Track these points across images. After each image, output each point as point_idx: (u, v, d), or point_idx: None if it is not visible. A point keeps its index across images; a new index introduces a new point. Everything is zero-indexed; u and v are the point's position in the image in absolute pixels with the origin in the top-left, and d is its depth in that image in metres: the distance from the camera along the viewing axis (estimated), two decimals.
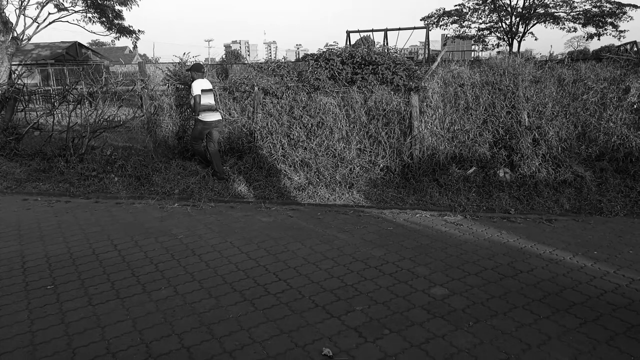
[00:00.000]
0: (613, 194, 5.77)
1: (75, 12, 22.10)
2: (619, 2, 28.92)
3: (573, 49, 52.56)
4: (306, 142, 6.81)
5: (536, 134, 6.37)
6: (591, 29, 30.71)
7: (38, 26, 19.73)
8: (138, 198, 6.20)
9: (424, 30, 27.16)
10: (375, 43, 18.04)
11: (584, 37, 32.73)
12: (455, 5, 32.58)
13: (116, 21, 23.52)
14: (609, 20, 29.66)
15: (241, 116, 7.38)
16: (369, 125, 6.78)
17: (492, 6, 31.36)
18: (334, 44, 8.13)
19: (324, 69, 7.21)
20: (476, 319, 3.14)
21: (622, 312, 3.20)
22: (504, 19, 31.72)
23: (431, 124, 6.67)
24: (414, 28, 26.03)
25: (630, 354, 2.75)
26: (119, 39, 25.00)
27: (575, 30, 31.43)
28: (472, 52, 43.15)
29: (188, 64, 7.82)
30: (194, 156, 7.24)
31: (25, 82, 9.88)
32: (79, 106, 8.31)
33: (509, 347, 2.83)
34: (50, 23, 20.81)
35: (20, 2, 18.58)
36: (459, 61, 8.36)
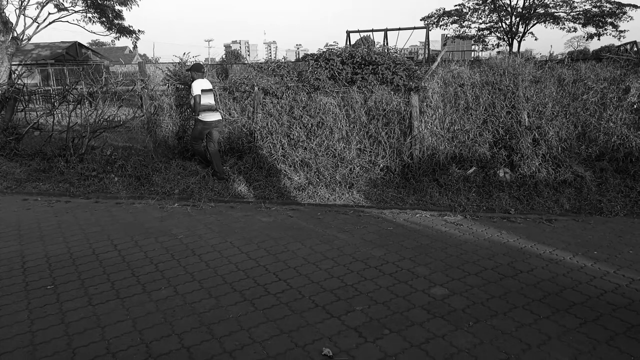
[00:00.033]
0: (613, 194, 5.77)
1: (75, 12, 22.11)
2: (619, 2, 28.93)
3: (573, 49, 52.58)
4: (306, 142, 6.81)
5: (536, 134, 6.37)
6: (591, 29, 30.73)
7: (38, 26, 19.74)
8: (138, 198, 6.20)
9: (424, 30, 27.16)
10: (375, 43, 18.04)
11: (584, 37, 32.74)
12: (455, 5, 32.59)
13: (116, 21, 23.52)
14: (609, 20, 29.66)
15: (241, 116, 7.38)
16: (369, 125, 6.78)
17: (492, 6, 31.36)
18: (334, 44, 8.14)
19: (324, 69, 7.21)
20: (476, 319, 3.14)
21: (622, 312, 3.20)
22: (504, 19, 31.73)
23: (431, 124, 6.67)
24: (414, 28, 26.03)
25: (630, 354, 2.75)
26: (119, 39, 25.02)
27: (575, 30, 31.45)
28: (472, 52, 43.16)
29: (188, 64, 7.82)
30: (194, 156, 7.24)
31: (25, 82, 9.89)
32: (79, 106, 8.31)
33: (509, 347, 2.83)
34: (50, 23, 20.82)
35: (20, 2, 18.58)
36: (459, 61, 8.36)
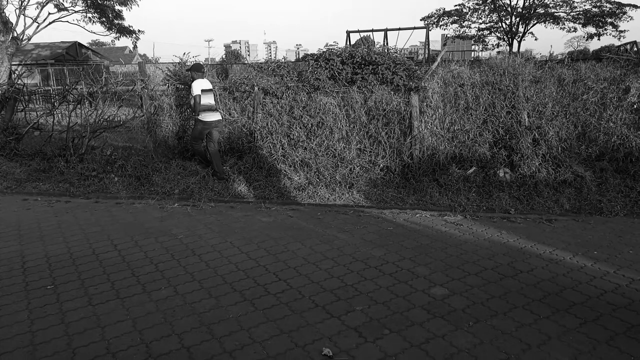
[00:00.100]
0: (613, 194, 5.77)
1: (75, 12, 22.11)
2: (619, 2, 28.93)
3: (573, 49, 52.59)
4: (306, 142, 6.81)
5: (536, 134, 6.37)
6: (591, 29, 30.74)
7: (38, 26, 19.74)
8: (138, 198, 6.20)
9: (424, 30, 27.17)
10: (375, 43, 18.04)
11: (584, 37, 32.75)
12: (455, 5, 32.60)
13: (116, 21, 23.52)
14: (609, 20, 29.66)
15: (241, 116, 7.38)
16: (369, 125, 6.78)
17: (492, 6, 31.36)
18: (334, 44, 8.14)
19: (324, 69, 7.21)
20: (476, 319, 3.14)
21: (622, 312, 3.20)
22: (504, 19, 31.73)
23: (431, 124, 6.67)
24: (414, 28, 26.04)
25: (630, 354, 2.75)
26: (119, 39, 25.02)
27: (575, 30, 31.45)
28: (472, 52, 43.16)
29: (188, 64, 7.82)
30: (194, 156, 7.24)
31: (25, 82, 9.88)
32: (79, 106, 8.31)
33: (509, 347, 2.83)
34: (50, 23, 20.82)
35: (20, 2, 18.58)
36: (459, 61, 8.36)
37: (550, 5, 30.31)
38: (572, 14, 30.46)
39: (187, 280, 3.74)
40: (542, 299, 3.39)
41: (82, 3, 21.86)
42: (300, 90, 7.12)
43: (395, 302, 3.36)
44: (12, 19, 20.17)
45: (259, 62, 8.75)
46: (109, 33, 23.71)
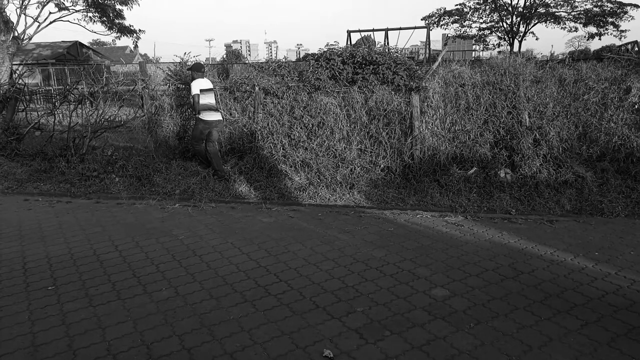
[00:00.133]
0: (614, 194, 5.76)
1: (76, 11, 22.12)
2: (620, 2, 28.91)
3: (574, 49, 52.53)
4: (307, 143, 6.81)
5: (537, 134, 6.36)
6: (592, 29, 30.73)
7: (39, 26, 19.75)
8: (139, 198, 6.20)
9: (425, 30, 27.16)
10: (376, 43, 18.04)
11: (584, 36, 32.74)
12: (456, 5, 32.60)
13: (117, 21, 23.52)
14: (610, 19, 29.65)
15: (242, 116, 7.38)
16: (369, 125, 6.77)
17: (493, 6, 31.35)
18: (334, 43, 8.14)
19: (324, 68, 7.21)
20: (477, 320, 3.14)
21: (623, 314, 3.20)
22: (504, 18, 31.72)
23: (432, 124, 6.67)
24: (415, 28, 26.04)
25: (631, 355, 2.75)
26: (119, 39, 25.03)
27: (576, 29, 31.44)
28: (473, 52, 43.14)
29: (189, 63, 7.82)
30: (195, 157, 7.24)
31: (26, 81, 9.89)
32: (80, 106, 8.31)
33: (510, 348, 2.82)
34: (51, 22, 20.82)
35: (21, 2, 18.59)
36: (459, 61, 8.35)
37: (551, 4, 30.30)
38: (573, 13, 30.46)
39: (188, 281, 3.74)
40: (543, 301, 3.39)
41: (83, 2, 21.87)
42: (301, 90, 7.12)
43: (396, 304, 3.36)
44: (13, 18, 20.19)
45: (260, 61, 8.76)
46: (109, 32, 23.72)
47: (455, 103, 6.69)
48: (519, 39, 32.00)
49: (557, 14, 30.58)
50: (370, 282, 3.70)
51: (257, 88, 7.19)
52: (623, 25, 30.34)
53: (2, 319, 3.20)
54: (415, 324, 3.09)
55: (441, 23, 33.28)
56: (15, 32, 16.87)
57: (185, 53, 8.40)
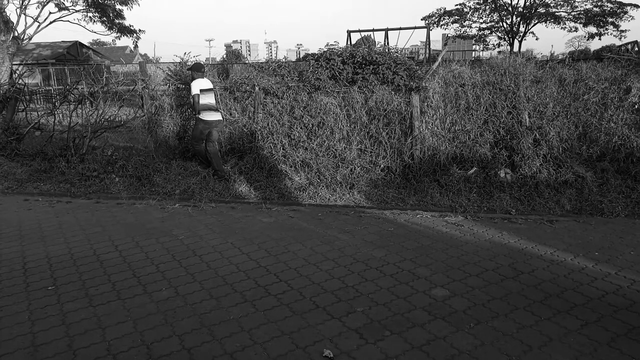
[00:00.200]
0: (614, 194, 5.76)
1: (76, 11, 22.11)
2: (620, 2, 28.91)
3: (574, 49, 52.54)
4: (307, 143, 6.81)
5: (537, 134, 6.36)
6: (592, 29, 30.73)
7: (39, 26, 19.74)
8: (139, 198, 6.20)
9: (425, 30, 27.17)
10: (376, 43, 18.04)
11: (584, 36, 32.75)
12: (456, 5, 32.60)
13: (117, 20, 23.52)
14: (610, 19, 29.65)
15: (242, 116, 7.38)
16: (369, 125, 6.77)
17: (493, 6, 31.35)
18: (334, 43, 8.14)
19: (324, 68, 7.21)
20: (477, 320, 3.14)
21: (623, 314, 3.20)
22: (504, 18, 31.72)
23: (432, 124, 6.67)
24: (415, 28, 26.05)
25: (631, 355, 2.75)
26: (119, 39, 25.02)
27: (576, 29, 31.45)
28: (473, 52, 43.14)
29: (189, 63, 7.82)
30: (195, 157, 7.24)
31: (26, 81, 9.89)
32: (80, 106, 8.31)
33: (510, 348, 2.83)
34: (51, 22, 20.82)
35: (21, 2, 18.59)
36: (459, 61, 8.35)
37: (551, 4, 30.30)
38: (573, 13, 30.46)
39: (188, 281, 3.74)
40: (543, 301, 3.39)
41: (83, 2, 21.87)
42: (301, 90, 7.12)
43: (396, 304, 3.36)
44: (13, 18, 20.20)
45: (260, 61, 8.75)
46: (109, 32, 23.71)
47: (455, 103, 6.69)
48: (519, 39, 32.00)
49: (557, 14, 30.59)
50: (370, 282, 3.70)
51: (257, 88, 7.19)
52: (623, 25, 30.38)
53: (2, 319, 3.20)
54: (415, 324, 3.09)
55: (441, 23, 33.29)
56: (15, 32, 16.87)
57: (185, 53, 8.40)
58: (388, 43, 22.70)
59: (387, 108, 6.72)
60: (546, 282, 3.68)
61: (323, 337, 2.96)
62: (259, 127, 7.09)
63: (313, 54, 8.44)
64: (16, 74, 11.84)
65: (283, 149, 6.86)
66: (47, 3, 20.04)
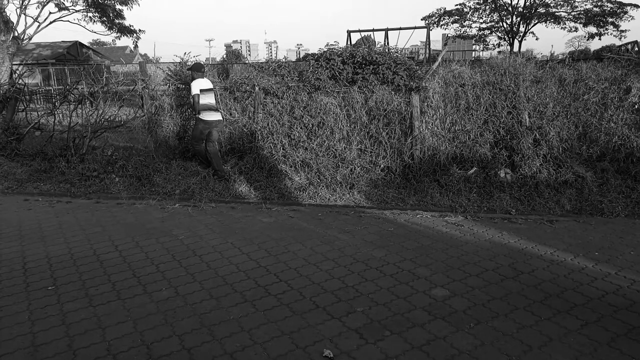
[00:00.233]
0: (614, 194, 5.76)
1: (76, 11, 22.11)
2: (620, 2, 28.91)
3: (574, 49, 52.54)
4: (307, 143, 6.81)
5: (537, 134, 6.36)
6: (592, 29, 30.73)
7: (39, 26, 19.74)
8: (139, 198, 6.20)
9: (425, 30, 27.17)
10: (376, 43, 18.04)
11: (584, 36, 32.74)
12: (456, 5, 32.59)
13: (117, 20, 23.51)
14: (610, 19, 29.65)
15: (242, 116, 7.38)
16: (369, 125, 6.78)
17: (493, 6, 31.35)
18: (334, 43, 8.14)
19: (324, 68, 7.21)
20: (477, 320, 3.14)
21: (623, 314, 3.20)
22: (504, 18, 31.72)
23: (432, 124, 6.67)
24: (415, 28, 26.05)
25: (631, 355, 2.75)
26: (119, 39, 25.02)
27: (576, 29, 31.44)
28: (473, 52, 43.14)
29: (189, 63, 7.82)
30: (195, 157, 7.24)
31: (26, 81, 9.89)
32: (80, 106, 8.31)
33: (510, 348, 2.83)
34: (51, 22, 20.81)
35: (21, 2, 18.59)
36: (459, 61, 8.35)
37: (551, 4, 30.30)
38: (573, 13, 30.46)
39: (188, 281, 3.74)
40: (543, 301, 3.39)
41: (83, 2, 21.86)
42: (301, 90, 7.12)
43: (396, 304, 3.36)
44: (13, 18, 20.19)
45: (260, 61, 8.75)
46: (109, 32, 23.71)
47: (455, 103, 6.70)
48: (519, 39, 32.00)
49: (557, 14, 30.58)
50: (370, 282, 3.70)
51: (257, 88, 7.19)
52: (623, 25, 30.37)
53: (2, 319, 3.20)
54: (415, 324, 3.09)
55: (441, 23, 33.29)
56: (15, 32, 16.87)
57: (185, 53, 8.40)
58: (388, 43, 22.71)
59: (387, 108, 6.72)
60: (546, 282, 3.68)
61: (323, 337, 2.96)
62: (259, 127, 7.09)
63: (313, 54, 8.44)
64: (16, 74, 11.84)
65: (283, 149, 6.86)
66: (47, 3, 20.04)
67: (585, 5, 29.71)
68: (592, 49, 35.62)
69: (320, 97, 6.94)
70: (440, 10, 33.14)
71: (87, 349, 2.85)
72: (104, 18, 22.88)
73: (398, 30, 24.62)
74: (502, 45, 33.36)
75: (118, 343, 2.91)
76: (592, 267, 3.95)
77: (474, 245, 4.46)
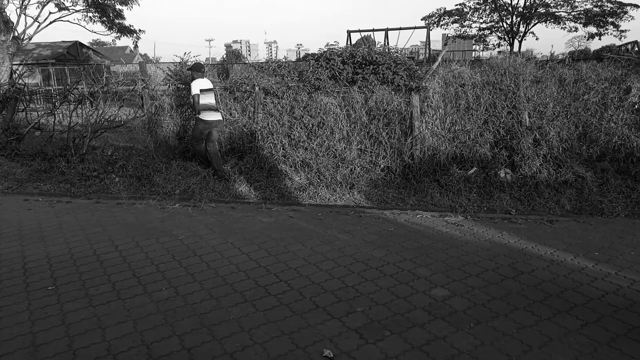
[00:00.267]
0: (614, 194, 5.76)
1: (76, 11, 22.11)
2: (620, 2, 28.91)
3: (574, 49, 52.54)
4: (307, 143, 6.81)
5: (537, 134, 6.36)
6: (592, 29, 30.72)
7: (39, 26, 19.74)
8: (139, 198, 6.20)
9: (425, 30, 27.18)
10: (376, 43, 18.04)
11: (584, 36, 32.74)
12: (456, 5, 32.59)
13: (117, 20, 23.51)
14: (610, 19, 29.65)
15: (242, 116, 7.38)
16: (369, 125, 6.78)
17: (493, 6, 31.34)
18: (334, 43, 8.14)
19: (324, 68, 7.21)
20: (477, 320, 3.14)
21: (623, 314, 3.20)
22: (504, 18, 31.72)
23: (432, 124, 6.67)
24: (415, 28, 26.06)
25: (631, 355, 2.75)
26: (119, 39, 25.01)
27: (576, 29, 31.44)
28: (473, 52, 43.14)
29: (189, 63, 7.82)
30: (195, 157, 7.24)
31: (26, 81, 9.89)
32: (80, 106, 8.31)
33: (510, 348, 2.83)
34: (51, 22, 20.81)
35: (21, 2, 18.59)
36: (459, 61, 8.35)
37: (551, 4, 30.30)
38: (573, 13, 30.45)
39: (188, 281, 3.74)
40: (543, 301, 3.39)
41: (83, 2, 21.86)
42: (301, 90, 7.12)
43: (396, 304, 3.36)
44: (13, 18, 20.19)
45: (260, 61, 8.75)
46: (109, 32, 23.71)
47: (455, 103, 6.70)
48: (519, 39, 32.00)
49: (557, 14, 30.58)
50: (370, 282, 3.70)
51: (257, 88, 7.20)
52: (623, 25, 30.37)
53: (2, 319, 3.20)
54: (416, 324, 3.09)
55: (441, 23, 33.29)
56: (15, 32, 16.87)
57: (185, 53, 8.40)
58: (388, 43, 22.71)
59: (387, 108, 6.72)
60: (546, 282, 3.68)
61: (323, 337, 2.96)
62: (259, 127, 7.09)
63: (313, 54, 8.44)
64: (16, 74, 11.84)
65: (283, 149, 6.86)
66: (47, 3, 20.04)
67: (585, 5, 29.72)
68: (592, 49, 35.63)
69: (320, 97, 6.94)
70: (440, 10, 33.15)
71: (87, 349, 2.85)
72: (104, 18, 22.88)
73: (398, 30, 24.63)
74: (502, 45, 33.36)
75: (118, 343, 2.91)
76: (592, 267, 3.95)
77: (474, 245, 4.46)
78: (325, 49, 7.83)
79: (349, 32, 24.93)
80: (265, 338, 2.95)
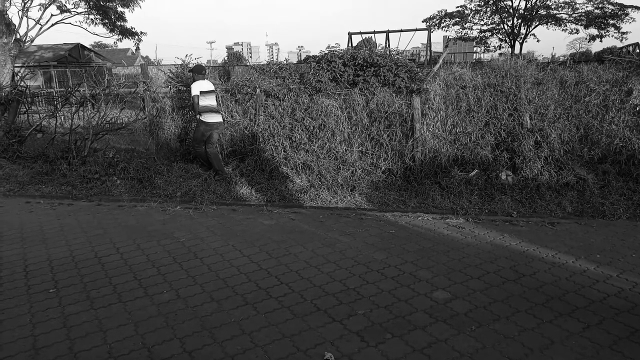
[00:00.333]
0: (615, 197, 5.75)
1: (78, 13, 22.14)
2: (621, 4, 28.88)
3: (575, 51, 52.53)
4: (308, 145, 6.81)
5: (538, 137, 6.36)
6: (593, 31, 30.68)
7: (41, 28, 19.78)
8: (140, 201, 6.21)
9: (426, 32, 27.21)
10: (377, 45, 18.06)
11: (586, 38, 32.69)
12: (457, 7, 32.59)
13: (118, 23, 23.54)
14: (611, 21, 29.61)
15: (243, 118, 7.38)
16: (370, 127, 6.78)
17: (494, 8, 31.34)
18: (335, 45, 8.19)
19: (325, 71, 7.22)
20: (479, 323, 3.13)
21: (625, 316, 3.19)
22: (505, 20, 31.70)
23: (433, 126, 6.67)
24: (416, 30, 26.09)
25: (633, 358, 2.74)
26: (121, 41, 25.05)
27: (577, 31, 31.38)
28: (474, 54, 43.15)
29: (190, 65, 7.84)
30: (196, 159, 7.25)
31: (28, 84, 9.91)
32: (81, 108, 8.33)
33: (511, 351, 2.82)
34: (52, 25, 20.83)
35: (23, 4, 18.64)
36: (460, 63, 8.35)
37: (552, 6, 30.29)
38: (574, 15, 30.42)
39: (189, 284, 3.74)
40: (544, 303, 3.38)
41: (85, 5, 21.91)
42: (302, 92, 7.13)
43: (397, 306, 3.36)
44: (15, 20, 20.20)
45: (261, 64, 8.76)
46: (111, 35, 23.74)
47: (456, 105, 6.70)
48: (520, 41, 31.97)
49: (558, 16, 30.56)
50: (371, 285, 3.69)
51: (258, 90, 7.20)
52: (624, 27, 30.46)
53: (3, 321, 3.21)
54: (417, 327, 3.09)
55: (442, 25, 33.28)
56: (17, 35, 16.92)
57: (186, 55, 8.42)
58: (389, 45, 22.74)
59: (388, 110, 6.72)
60: (548, 284, 3.67)
61: (324, 339, 2.95)
62: (260, 130, 7.10)
63: (314, 56, 8.45)
64: (18, 76, 11.86)
65: (284, 151, 6.87)
66: (49, 5, 20.09)
67: (587, 7, 29.70)
68: (593, 51, 35.65)
69: (321, 99, 6.95)
70: (441, 12, 33.14)
71: (89, 352, 2.85)
72: (106, 20, 22.92)
73: (399, 32, 24.67)
74: (503, 47, 33.34)
75: (119, 346, 2.91)
76: (593, 270, 3.94)
77: (475, 248, 4.45)
78: (327, 51, 7.84)
79: (350, 34, 24.96)
80: (267, 341, 2.95)
